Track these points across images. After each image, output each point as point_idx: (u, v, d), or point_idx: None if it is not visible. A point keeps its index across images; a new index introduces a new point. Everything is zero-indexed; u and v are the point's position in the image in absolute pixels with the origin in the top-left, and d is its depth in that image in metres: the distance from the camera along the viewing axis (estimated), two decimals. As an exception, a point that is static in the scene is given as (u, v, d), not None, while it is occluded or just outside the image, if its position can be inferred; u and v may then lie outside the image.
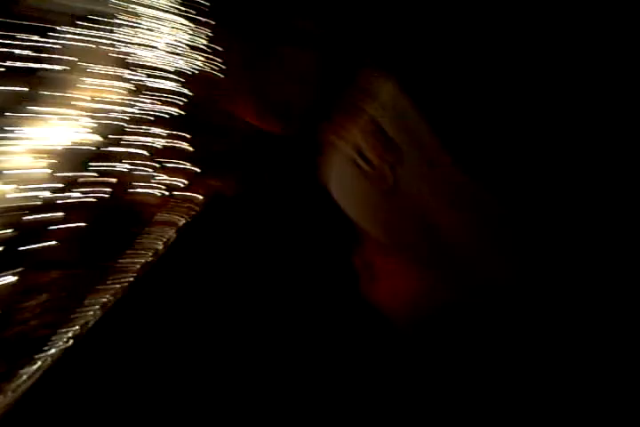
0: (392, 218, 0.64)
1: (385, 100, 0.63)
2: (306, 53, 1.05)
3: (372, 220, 0.65)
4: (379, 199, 0.63)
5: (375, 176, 0.62)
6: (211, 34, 1.56)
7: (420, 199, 0.61)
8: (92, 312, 1.24)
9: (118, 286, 1.38)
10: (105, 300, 1.36)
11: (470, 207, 0.59)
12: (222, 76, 1.35)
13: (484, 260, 0.66)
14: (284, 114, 1.17)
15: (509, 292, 0.68)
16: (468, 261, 0.66)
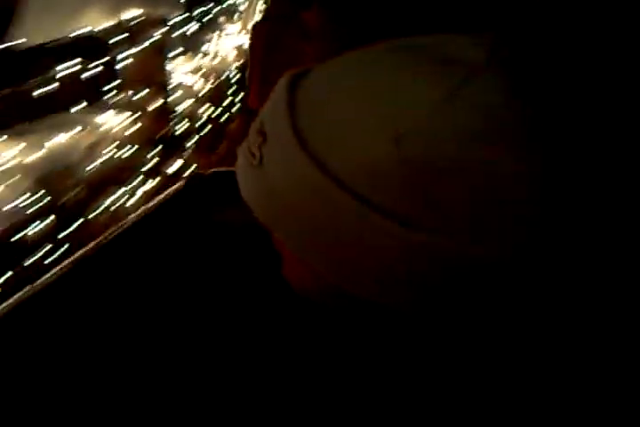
0: (260, 195, 0.67)
1: (274, 92, 0.66)
2: (312, 47, 1.07)
3: (247, 193, 0.69)
4: (250, 173, 0.67)
5: (247, 152, 0.67)
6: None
7: (281, 181, 0.64)
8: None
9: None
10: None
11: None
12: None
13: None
14: None
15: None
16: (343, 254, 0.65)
